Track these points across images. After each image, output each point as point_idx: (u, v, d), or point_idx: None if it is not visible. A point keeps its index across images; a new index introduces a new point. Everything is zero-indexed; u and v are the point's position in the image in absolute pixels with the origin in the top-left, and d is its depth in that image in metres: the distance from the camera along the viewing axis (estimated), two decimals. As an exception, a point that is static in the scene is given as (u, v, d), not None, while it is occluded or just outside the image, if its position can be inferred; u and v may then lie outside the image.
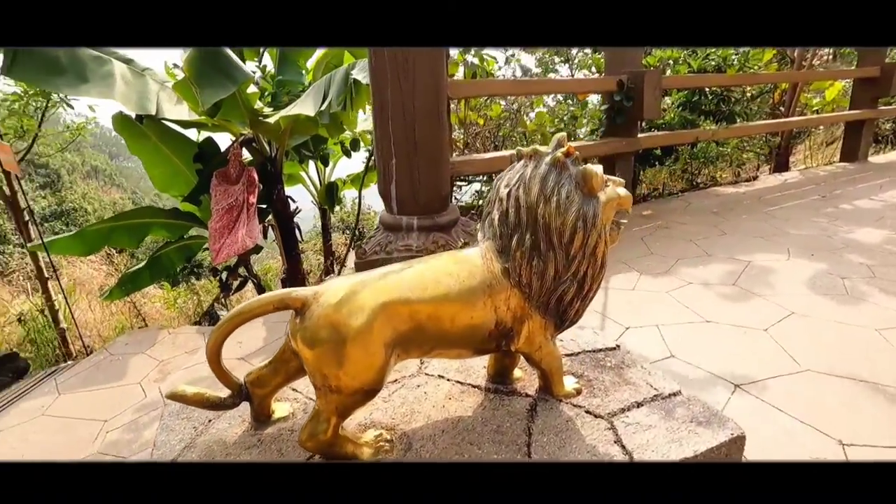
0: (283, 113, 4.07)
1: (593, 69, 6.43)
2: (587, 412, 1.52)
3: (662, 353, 2.62)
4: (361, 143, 5.74)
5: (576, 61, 7.18)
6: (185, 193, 4.69)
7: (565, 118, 5.65)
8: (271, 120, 4.13)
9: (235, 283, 5.35)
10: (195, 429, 1.50)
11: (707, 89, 5.86)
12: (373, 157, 4.44)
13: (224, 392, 1.43)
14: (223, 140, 4.92)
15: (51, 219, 14.35)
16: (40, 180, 16.02)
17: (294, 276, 5.36)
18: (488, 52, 4.81)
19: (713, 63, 5.82)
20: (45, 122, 5.95)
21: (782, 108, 7.12)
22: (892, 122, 8.66)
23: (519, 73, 6.42)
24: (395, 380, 1.70)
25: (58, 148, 6.52)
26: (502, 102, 5.76)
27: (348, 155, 5.68)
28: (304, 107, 4.00)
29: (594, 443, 1.40)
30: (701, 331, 2.81)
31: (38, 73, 3.56)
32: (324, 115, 3.99)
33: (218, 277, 5.39)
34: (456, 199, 5.74)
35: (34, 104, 5.16)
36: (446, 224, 3.48)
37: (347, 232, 8.01)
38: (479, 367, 1.74)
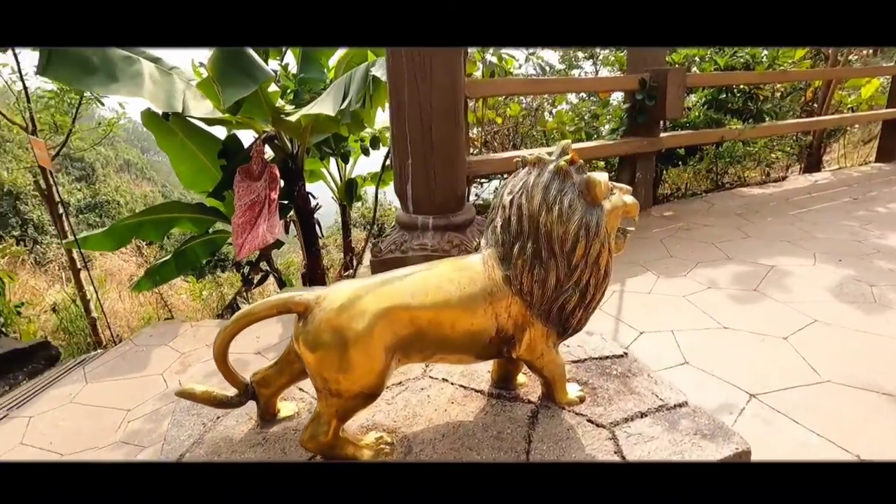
0: (304, 111, 4.13)
1: (615, 67, 6.31)
2: (589, 421, 1.51)
3: (676, 359, 2.58)
4: (381, 141, 5.78)
5: (600, 57, 7.07)
6: (210, 189, 4.80)
7: (586, 117, 5.57)
8: (292, 118, 4.20)
9: (257, 278, 5.46)
10: (204, 425, 1.55)
11: (734, 87, 5.70)
12: (390, 156, 4.47)
13: (231, 391, 1.48)
14: (248, 137, 5.02)
15: (85, 211, 14.90)
16: (76, 173, 16.62)
17: (314, 271, 5.44)
18: (507, 50, 4.78)
19: (742, 60, 5.65)
20: (81, 119, 6.17)
21: (815, 106, 6.87)
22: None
23: (538, 71, 6.35)
24: (400, 382, 1.73)
25: (91, 143, 6.74)
26: (525, 99, 5.72)
27: (367, 153, 5.73)
28: (324, 105, 4.05)
29: (594, 452, 1.39)
30: (717, 337, 2.76)
31: (71, 72, 3.69)
32: (344, 113, 4.03)
33: (241, 272, 5.51)
34: (476, 195, 5.73)
35: (68, 101, 5.35)
36: (462, 223, 3.48)
37: (368, 228, 8.08)
38: (483, 371, 1.75)
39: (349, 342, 1.25)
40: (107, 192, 16.24)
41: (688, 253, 3.92)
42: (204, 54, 4.59)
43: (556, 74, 6.94)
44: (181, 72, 4.61)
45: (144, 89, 3.96)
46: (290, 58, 5.33)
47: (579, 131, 5.21)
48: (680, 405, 1.58)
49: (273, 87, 4.48)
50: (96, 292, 4.96)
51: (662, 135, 4.86)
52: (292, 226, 5.41)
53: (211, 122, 4.79)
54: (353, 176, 6.43)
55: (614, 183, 1.47)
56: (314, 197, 5.31)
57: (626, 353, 1.87)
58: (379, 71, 3.97)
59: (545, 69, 6.32)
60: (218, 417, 1.58)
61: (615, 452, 1.39)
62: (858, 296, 3.08)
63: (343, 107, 3.98)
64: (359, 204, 7.96)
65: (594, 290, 1.42)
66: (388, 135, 5.47)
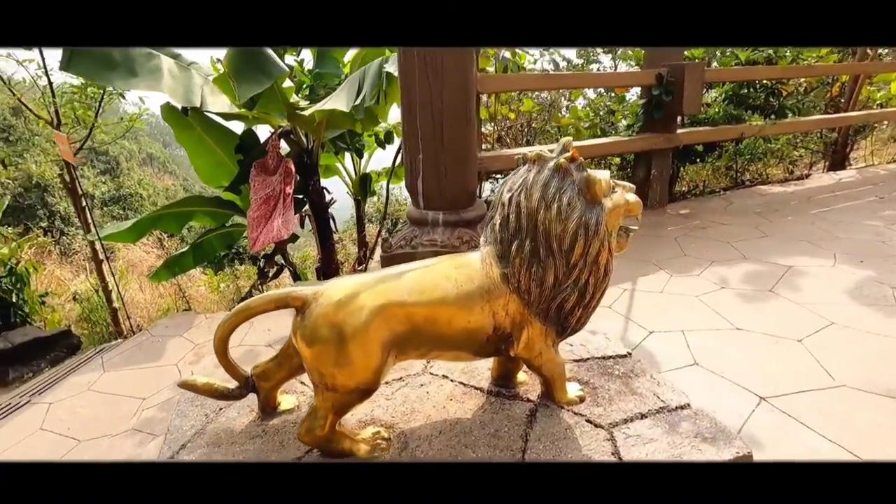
0: (318, 107, 4.15)
1: (634, 62, 6.20)
2: (588, 421, 1.50)
3: (685, 359, 2.54)
4: (394, 136, 5.79)
5: (618, 52, 6.96)
6: (227, 184, 4.87)
7: (601, 112, 5.48)
8: (306, 113, 4.23)
9: (272, 271, 5.53)
10: (206, 416, 1.59)
11: (756, 82, 5.56)
12: (401, 152, 4.47)
13: (233, 383, 1.50)
14: (264, 132, 5.08)
15: (109, 203, 15.29)
16: (101, 166, 17.03)
17: (328, 265, 5.49)
18: (522, 45, 4.73)
19: (764, 55, 5.50)
20: (105, 113, 6.31)
21: (842, 101, 6.66)
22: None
23: (553, 66, 6.27)
24: (400, 378, 1.73)
25: (114, 137, 6.89)
26: (543, 94, 5.66)
27: (382, 147, 5.75)
28: (338, 101, 4.07)
29: (590, 453, 1.38)
30: (729, 338, 2.71)
31: (92, 67, 3.77)
32: (358, 109, 4.05)
33: (257, 265, 5.59)
34: (492, 190, 5.70)
35: (90, 95, 5.47)
36: (472, 220, 3.48)
37: (383, 223, 8.12)
38: (483, 368, 1.75)
39: (345, 338, 1.26)
40: (130, 185, 16.63)
41: (702, 252, 3.85)
42: (221, 51, 4.65)
43: (574, 69, 6.86)
44: (199, 67, 4.68)
45: (163, 84, 4.04)
46: (307, 53, 5.37)
47: (594, 127, 5.14)
48: (682, 407, 1.55)
49: (287, 83, 4.52)
50: (116, 284, 5.08)
51: (679, 131, 4.77)
52: (307, 220, 5.46)
53: (228, 116, 4.86)
54: (367, 171, 6.46)
55: (616, 181, 1.45)
56: (329, 192, 5.36)
57: (629, 354, 1.84)
58: (392, 67, 3.97)
59: (559, 64, 6.25)
60: (220, 409, 1.61)
61: (612, 453, 1.38)
62: (879, 298, 2.99)
63: (357, 103, 4.00)
64: (374, 199, 8.00)
65: (594, 289, 1.40)
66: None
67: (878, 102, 7.15)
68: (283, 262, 5.55)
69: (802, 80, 6.31)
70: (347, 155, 6.23)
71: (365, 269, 5.80)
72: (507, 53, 4.55)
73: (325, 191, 5.24)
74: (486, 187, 5.39)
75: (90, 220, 5.16)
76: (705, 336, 2.73)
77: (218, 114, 4.68)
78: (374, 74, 4.14)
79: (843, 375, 2.35)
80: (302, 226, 5.53)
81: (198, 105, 4.25)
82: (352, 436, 1.42)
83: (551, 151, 1.43)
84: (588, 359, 1.81)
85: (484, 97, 4.57)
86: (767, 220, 4.49)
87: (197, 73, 4.47)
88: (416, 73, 3.13)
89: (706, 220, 4.61)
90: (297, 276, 5.71)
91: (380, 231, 6.07)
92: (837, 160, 6.63)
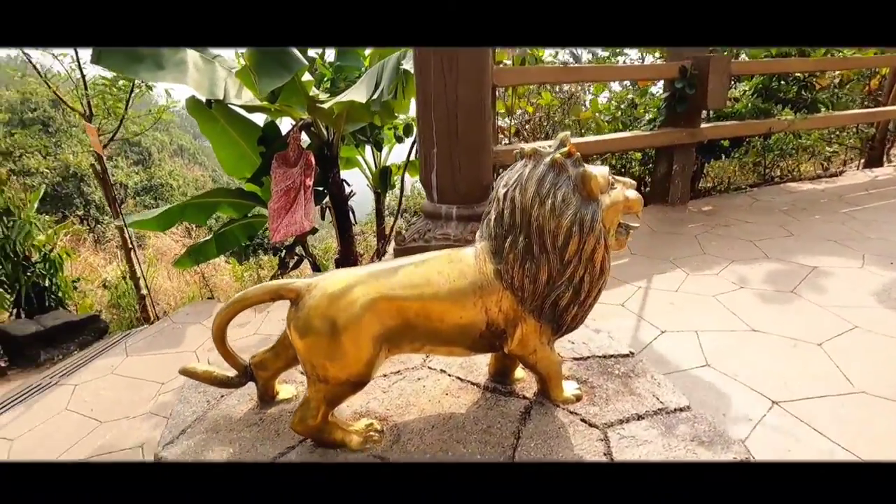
0: (336, 100, 4.19)
1: (657, 54, 6.04)
2: (582, 420, 1.49)
3: (697, 360, 2.48)
4: (413, 129, 5.80)
5: (645, 44, 6.77)
6: (249, 175, 4.97)
7: (622, 106, 5.36)
8: (326, 106, 4.28)
9: (292, 262, 5.62)
10: (208, 402, 1.63)
11: (789, 75, 5.34)
12: (416, 145, 4.48)
13: (233, 372, 1.54)
14: (286, 125, 5.15)
15: (142, 193, 15.78)
16: (134, 157, 17.56)
17: (347, 256, 5.56)
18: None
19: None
20: (135, 106, 6.50)
21: (881, 95, 6.35)
22: None
23: (573, 58, 6.15)
24: (398, 371, 1.75)
25: (143, 128, 7.09)
26: (564, 87, 5.57)
27: (400, 140, 5.77)
28: (357, 94, 4.10)
29: (582, 453, 1.37)
30: (745, 340, 2.63)
31: (121, 60, 3.90)
32: (375, 102, 4.07)
33: (278, 255, 5.69)
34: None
35: (120, 88, 5.64)
36: (485, 214, 3.46)
37: (404, 215, 8.16)
38: (481, 364, 1.74)
39: (337, 330, 1.27)
40: (161, 175, 17.11)
41: (723, 250, 3.74)
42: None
43: (598, 61, 6.72)
44: (224, 60, 4.77)
45: (189, 77, 4.13)
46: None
47: (616, 121, 5.03)
48: (680, 409, 1.52)
49: (307, 76, 4.57)
50: (143, 272, 5.25)
51: (703, 125, 4.63)
52: (328, 212, 5.53)
53: (251, 109, 4.94)
54: (387, 164, 6.50)
55: (616, 177, 1.42)
56: (348, 184, 5.41)
57: (631, 353, 1.81)
58: (409, 63, 3.98)
59: (578, 56, 6.12)
60: (222, 396, 1.66)
61: (605, 454, 1.37)
62: (907, 302, 2.86)
63: (375, 96, 4.02)
64: (395, 191, 8.04)
65: (589, 287, 1.38)
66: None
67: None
68: (303, 253, 5.64)
69: (838, 72, 6.04)
70: (368, 148, 6.28)
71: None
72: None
73: (344, 183, 5.29)
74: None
75: (119, 209, 5.33)
76: (719, 337, 2.66)
77: (241, 106, 4.77)
78: (392, 68, 4.16)
79: (863, 381, 2.26)
80: (322, 217, 5.61)
81: (222, 97, 4.33)
82: (344, 427, 1.44)
83: (549, 146, 1.41)
84: (588, 357, 1.79)
85: (500, 90, 4.52)
86: (794, 219, 4.34)
87: (221, 65, 4.56)
88: (432, 67, 3.12)
89: (729, 217, 4.47)
90: (316, 268, 5.80)
91: (394, 224, 6.10)
92: (875, 157, 6.33)
